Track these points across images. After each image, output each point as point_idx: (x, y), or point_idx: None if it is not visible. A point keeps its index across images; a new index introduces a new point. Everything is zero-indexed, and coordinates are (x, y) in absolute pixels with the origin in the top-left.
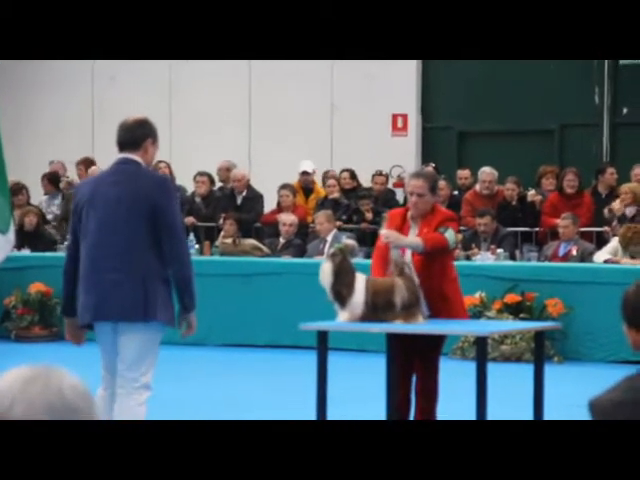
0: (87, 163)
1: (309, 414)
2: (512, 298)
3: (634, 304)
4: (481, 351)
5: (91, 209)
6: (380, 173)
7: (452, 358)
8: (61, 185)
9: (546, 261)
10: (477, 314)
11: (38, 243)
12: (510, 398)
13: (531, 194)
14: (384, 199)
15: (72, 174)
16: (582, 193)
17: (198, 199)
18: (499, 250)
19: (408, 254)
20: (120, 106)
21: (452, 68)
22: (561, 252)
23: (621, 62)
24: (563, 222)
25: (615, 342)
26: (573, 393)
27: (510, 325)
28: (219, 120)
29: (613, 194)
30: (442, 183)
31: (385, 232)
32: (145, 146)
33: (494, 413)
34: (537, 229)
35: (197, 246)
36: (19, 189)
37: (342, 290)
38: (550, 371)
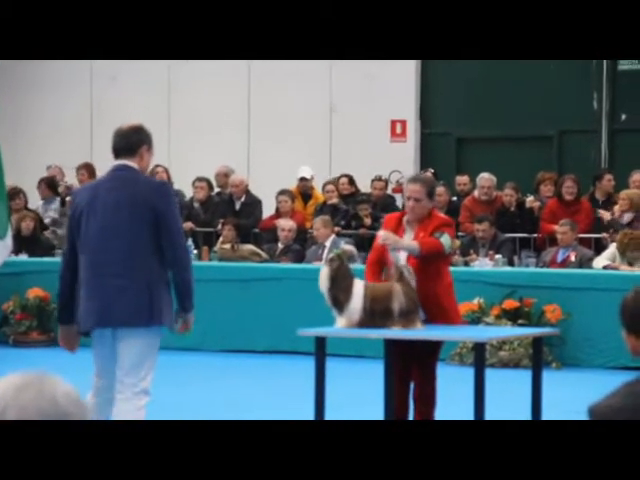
0: (88, 168)
1: (307, 419)
2: (510, 304)
3: (633, 310)
4: (479, 357)
5: (91, 215)
6: (379, 178)
7: (450, 364)
8: (60, 189)
9: (544, 267)
10: (475, 320)
11: (35, 248)
12: (508, 404)
13: (529, 200)
14: (383, 204)
15: (70, 179)
16: (580, 199)
17: (197, 204)
18: (497, 256)
19: (403, 257)
20: (119, 106)
21: (451, 70)
22: (559, 258)
23: (620, 68)
24: (561, 228)
25: (613, 348)
26: (571, 399)
27: (508, 331)
28: (218, 120)
29: (610, 200)
30: (441, 189)
31: (383, 233)
32: (141, 152)
33: (492, 419)
34: (535, 235)
35: (195, 251)
36: (16, 193)
37: (339, 295)
38: (548, 377)
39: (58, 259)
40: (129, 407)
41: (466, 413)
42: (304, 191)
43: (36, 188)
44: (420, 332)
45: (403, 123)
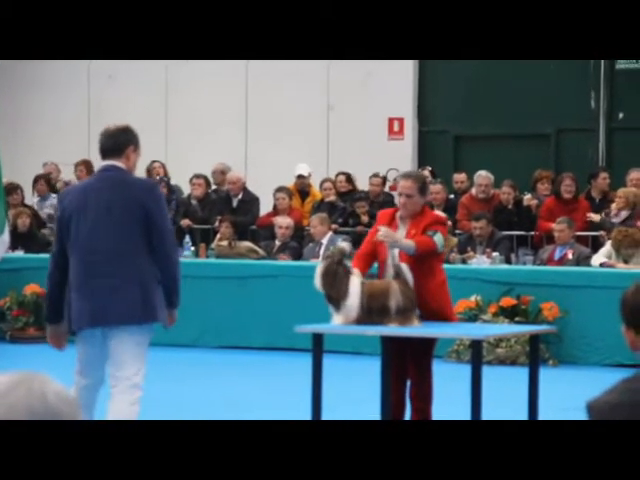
0: (87, 165)
1: (304, 416)
2: (508, 302)
3: (633, 305)
4: (476, 354)
5: (81, 216)
6: (377, 175)
7: (447, 361)
8: (58, 186)
9: (542, 265)
10: (473, 317)
11: (32, 244)
12: (505, 401)
13: (527, 198)
14: (380, 202)
15: (67, 175)
16: (578, 198)
17: (194, 201)
18: (495, 254)
19: (396, 252)
20: (117, 106)
21: (449, 69)
22: (557, 256)
23: (617, 67)
24: (558, 226)
25: (610, 346)
26: (568, 396)
27: (505, 328)
28: (216, 120)
29: (606, 199)
30: (438, 187)
31: (383, 230)
32: (127, 153)
33: (489, 416)
34: (533, 233)
35: (193, 248)
36: (13, 189)
37: (333, 293)
38: (545, 374)
39: None
40: (123, 401)
41: (463, 410)
42: (301, 188)
43: (31, 186)
44: (417, 329)
45: (401, 121)
